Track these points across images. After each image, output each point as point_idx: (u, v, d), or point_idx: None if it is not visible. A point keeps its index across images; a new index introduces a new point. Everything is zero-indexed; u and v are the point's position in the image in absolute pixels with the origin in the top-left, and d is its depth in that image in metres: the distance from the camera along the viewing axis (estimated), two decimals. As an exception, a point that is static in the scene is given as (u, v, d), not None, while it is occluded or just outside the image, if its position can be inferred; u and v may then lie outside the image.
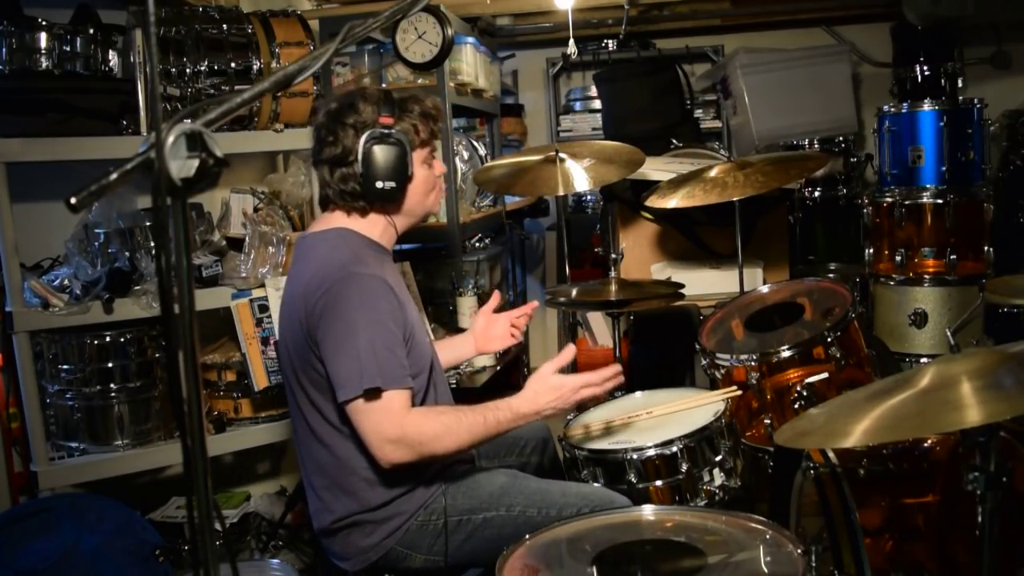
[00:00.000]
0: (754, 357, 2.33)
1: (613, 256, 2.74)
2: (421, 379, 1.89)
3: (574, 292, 2.81)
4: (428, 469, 1.90)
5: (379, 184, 1.83)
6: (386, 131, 1.83)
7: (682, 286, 2.80)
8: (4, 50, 2.33)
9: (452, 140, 3.37)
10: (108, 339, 2.51)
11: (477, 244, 3.88)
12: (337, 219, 1.93)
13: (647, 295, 2.80)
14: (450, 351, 2.31)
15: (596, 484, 2.03)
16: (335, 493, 1.87)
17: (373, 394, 1.73)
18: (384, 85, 3.48)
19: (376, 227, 1.94)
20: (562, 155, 2.70)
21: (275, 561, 2.51)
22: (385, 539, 1.88)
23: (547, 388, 1.86)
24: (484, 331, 2.30)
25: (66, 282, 2.46)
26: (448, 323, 3.40)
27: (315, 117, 1.96)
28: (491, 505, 1.89)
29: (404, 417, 1.76)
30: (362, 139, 1.82)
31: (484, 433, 1.82)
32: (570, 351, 1.96)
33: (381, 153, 1.82)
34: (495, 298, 2.34)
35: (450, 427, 1.79)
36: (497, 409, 1.84)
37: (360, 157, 1.82)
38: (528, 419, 1.86)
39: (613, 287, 2.66)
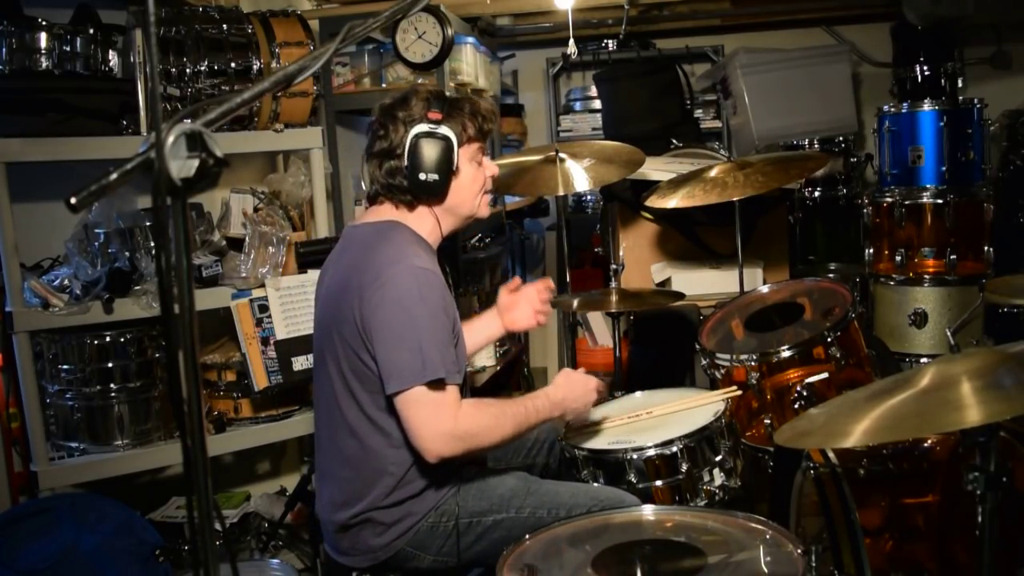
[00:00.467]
0: (754, 357, 2.33)
1: (614, 267, 2.73)
2: (462, 375, 1.90)
3: (575, 303, 2.81)
4: (441, 471, 1.90)
5: (422, 176, 1.85)
6: (433, 125, 1.85)
7: (682, 296, 2.81)
8: (4, 50, 2.33)
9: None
10: (108, 339, 2.51)
11: (477, 244, 3.88)
12: (386, 212, 1.94)
13: (648, 305, 2.80)
14: (478, 332, 2.30)
15: (595, 485, 2.03)
16: (357, 485, 1.87)
17: (435, 385, 1.75)
18: (384, 85, 3.48)
19: (424, 224, 1.94)
20: (562, 155, 2.70)
21: (275, 561, 2.51)
22: (395, 540, 1.88)
23: (579, 379, 2.01)
24: (509, 309, 2.29)
25: (66, 282, 2.46)
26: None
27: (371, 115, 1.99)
28: (501, 507, 1.89)
29: (459, 410, 1.79)
30: (410, 133, 1.85)
31: (526, 423, 1.87)
32: None
33: (426, 146, 1.85)
34: (515, 281, 2.33)
35: (498, 418, 1.83)
36: (535, 398, 1.92)
37: (406, 150, 1.85)
38: (562, 408, 1.95)
39: (614, 297, 2.65)
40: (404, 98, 1.90)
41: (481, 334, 2.31)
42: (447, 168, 1.87)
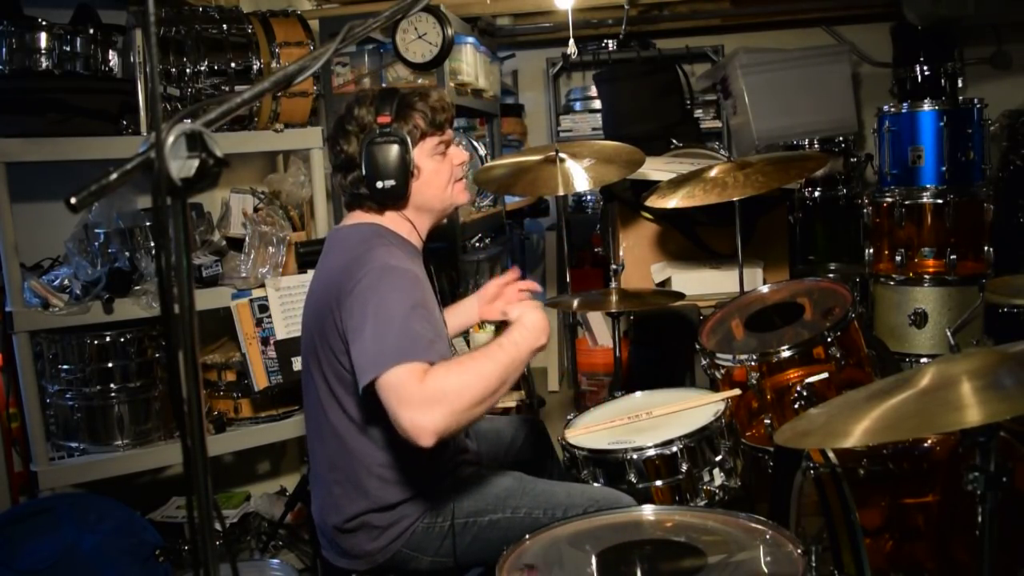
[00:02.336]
0: (754, 357, 2.33)
1: (614, 267, 2.73)
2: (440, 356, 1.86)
3: (575, 303, 2.81)
4: (436, 470, 1.90)
5: (379, 184, 1.83)
6: (383, 130, 1.83)
7: (682, 296, 2.81)
8: (4, 50, 2.33)
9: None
10: (108, 339, 2.51)
11: (477, 244, 3.88)
12: (365, 216, 1.94)
13: (648, 305, 2.79)
14: (455, 317, 2.30)
15: (596, 484, 2.03)
16: (347, 489, 1.87)
17: (403, 369, 1.60)
18: (384, 85, 3.48)
19: (402, 225, 1.93)
20: (562, 155, 2.70)
21: (275, 561, 2.52)
22: (392, 542, 1.87)
23: (534, 309, 1.79)
24: (491, 299, 2.28)
25: (66, 282, 2.46)
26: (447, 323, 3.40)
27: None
28: (497, 507, 1.89)
29: (423, 377, 1.59)
30: (362, 142, 1.84)
31: (507, 361, 1.67)
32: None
33: (379, 153, 1.83)
34: (513, 272, 2.31)
35: (473, 369, 1.63)
36: (506, 335, 1.73)
37: (362, 160, 1.84)
38: (536, 335, 1.73)
39: (614, 297, 2.66)
40: (349, 107, 1.89)
41: (458, 319, 2.30)
42: (404, 171, 1.84)
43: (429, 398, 1.57)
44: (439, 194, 1.94)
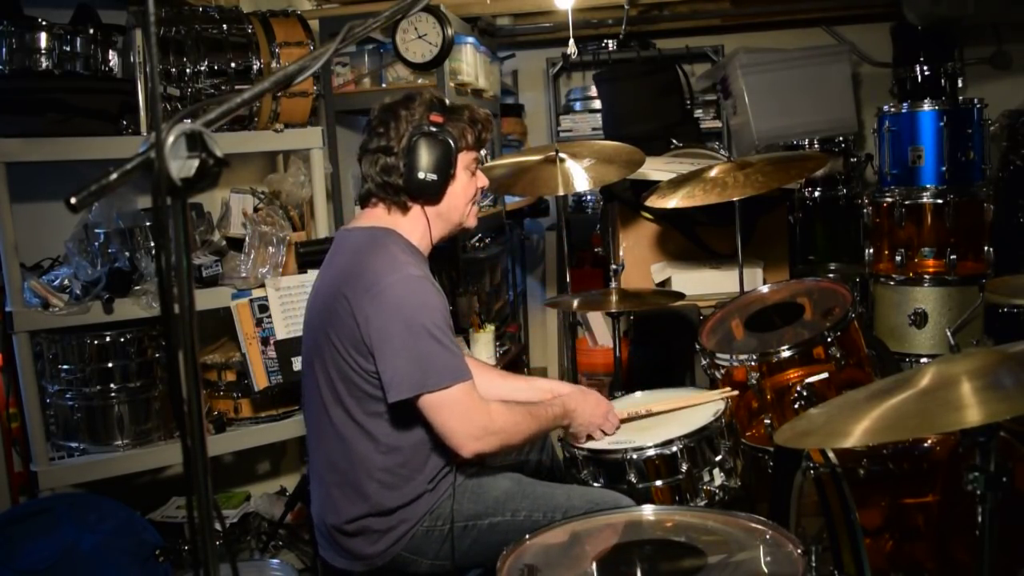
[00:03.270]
0: (754, 357, 2.33)
1: (614, 267, 2.73)
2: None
3: (575, 303, 2.81)
4: (435, 473, 1.90)
5: (421, 175, 1.86)
6: (434, 127, 1.87)
7: (682, 296, 2.81)
8: (4, 50, 2.33)
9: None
10: (108, 339, 2.51)
11: (477, 244, 3.88)
12: (379, 216, 1.94)
13: (648, 305, 2.79)
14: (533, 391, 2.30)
15: (596, 484, 2.04)
16: (346, 492, 1.87)
17: (466, 387, 1.80)
18: (384, 85, 3.48)
19: (416, 228, 1.94)
20: (562, 155, 2.70)
21: (275, 561, 2.52)
22: (391, 546, 1.87)
23: (594, 398, 2.11)
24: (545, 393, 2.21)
25: (66, 282, 2.46)
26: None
27: (371, 113, 1.98)
28: (496, 510, 1.89)
29: (491, 407, 1.85)
30: (411, 132, 1.86)
31: (545, 424, 1.98)
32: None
33: (427, 146, 1.86)
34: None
35: (524, 416, 1.91)
36: (553, 405, 2.02)
37: (406, 148, 1.86)
38: (571, 418, 2.04)
39: (614, 297, 2.66)
40: (407, 98, 1.91)
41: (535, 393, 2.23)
42: (446, 170, 1.88)
43: (494, 431, 1.82)
44: (461, 207, 1.97)
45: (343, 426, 1.85)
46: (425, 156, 1.85)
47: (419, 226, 1.94)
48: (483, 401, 1.84)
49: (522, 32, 4.69)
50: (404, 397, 1.77)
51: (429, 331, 1.77)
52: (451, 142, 1.87)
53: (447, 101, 1.96)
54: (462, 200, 1.96)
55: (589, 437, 2.10)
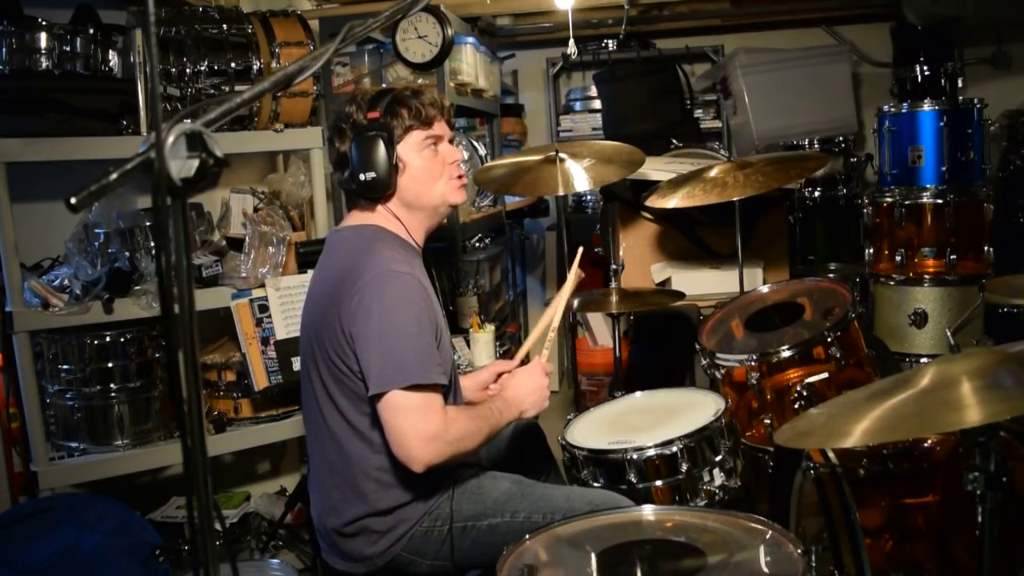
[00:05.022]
0: (754, 357, 2.33)
1: (614, 267, 2.73)
2: (447, 377, 1.88)
3: (575, 303, 2.81)
4: (434, 475, 1.90)
5: (362, 176, 1.85)
6: (368, 124, 1.85)
7: (682, 296, 2.81)
8: (4, 50, 2.33)
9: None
10: (108, 339, 2.51)
11: (477, 244, 3.88)
12: (362, 216, 1.94)
13: (648, 305, 2.79)
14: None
15: (596, 484, 2.03)
16: (345, 493, 1.87)
17: (416, 389, 1.73)
18: (384, 85, 3.48)
19: (392, 224, 1.93)
20: (562, 155, 2.70)
21: (275, 561, 2.52)
22: (391, 547, 1.87)
23: (523, 375, 1.99)
24: (480, 388, 2.21)
25: (66, 282, 2.46)
26: (448, 324, 3.40)
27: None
28: (496, 511, 1.89)
29: (446, 415, 1.77)
30: (351, 136, 1.87)
31: (496, 425, 1.88)
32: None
33: (362, 146, 1.84)
34: (502, 364, 2.24)
35: (476, 423, 1.83)
36: (494, 401, 1.92)
37: (347, 154, 1.87)
38: (518, 406, 1.94)
39: (614, 297, 2.65)
40: (347, 102, 1.92)
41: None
42: (386, 163, 1.84)
43: (447, 440, 1.75)
44: (427, 191, 1.92)
45: (339, 428, 1.85)
46: (362, 156, 1.84)
47: (392, 221, 1.93)
48: (440, 408, 1.77)
49: (522, 32, 4.69)
50: (379, 391, 1.73)
51: (403, 327, 1.74)
52: (384, 133, 1.84)
53: (390, 89, 1.92)
54: (426, 183, 1.91)
55: None
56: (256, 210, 2.79)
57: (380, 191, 1.88)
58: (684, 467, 2.00)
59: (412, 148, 1.90)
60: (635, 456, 2.00)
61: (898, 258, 3.29)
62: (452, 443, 1.76)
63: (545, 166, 2.72)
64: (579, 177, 2.67)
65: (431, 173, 1.92)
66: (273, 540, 2.84)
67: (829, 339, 2.28)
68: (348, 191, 1.95)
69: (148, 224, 2.55)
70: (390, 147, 1.85)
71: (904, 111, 3.37)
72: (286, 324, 2.66)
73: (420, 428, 1.73)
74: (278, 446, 3.17)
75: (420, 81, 3.38)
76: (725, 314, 2.65)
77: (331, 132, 1.94)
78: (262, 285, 2.66)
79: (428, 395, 1.75)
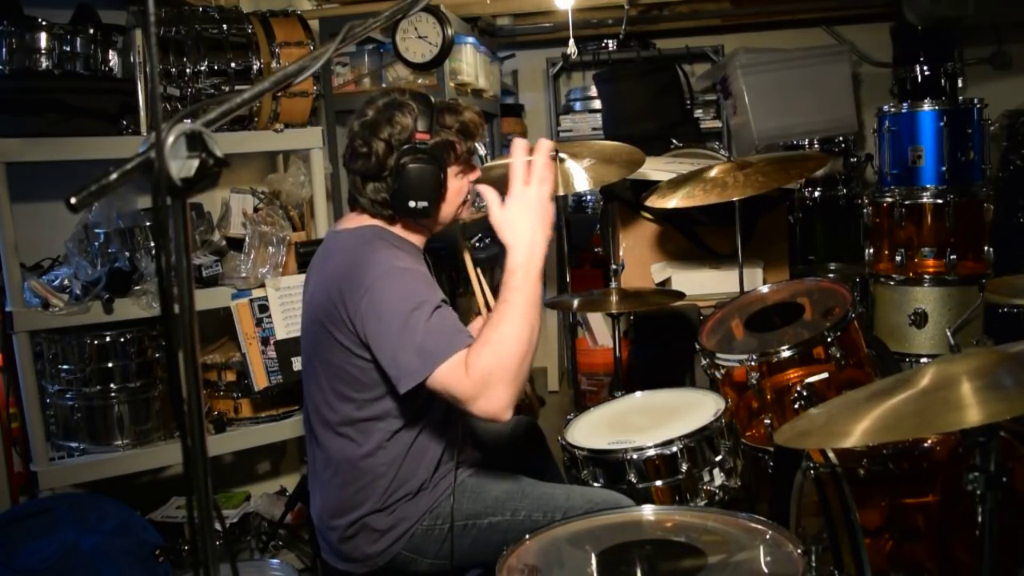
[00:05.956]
0: (754, 357, 2.33)
1: (614, 267, 2.73)
2: (467, 334, 1.79)
3: (575, 303, 2.81)
4: (435, 472, 1.90)
5: (411, 203, 1.79)
6: (421, 148, 1.78)
7: (682, 296, 2.81)
8: (4, 50, 2.33)
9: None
10: (108, 339, 2.51)
11: (477, 244, 3.87)
12: (364, 218, 1.91)
13: (648, 305, 2.79)
14: None
15: (596, 484, 2.03)
16: (349, 492, 1.86)
17: (439, 370, 1.65)
18: (384, 85, 3.48)
19: (398, 227, 1.92)
20: (562, 155, 2.70)
21: (275, 561, 2.52)
22: (391, 545, 1.87)
23: (515, 208, 1.76)
24: None
25: (66, 282, 2.46)
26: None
27: (350, 120, 1.90)
28: (496, 510, 1.89)
29: (465, 369, 1.64)
30: (396, 156, 1.78)
31: (524, 307, 1.67)
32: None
33: (415, 172, 1.77)
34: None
35: (498, 338, 1.64)
36: (506, 280, 1.71)
37: (393, 173, 1.79)
38: (530, 249, 1.73)
39: (614, 298, 2.66)
40: (389, 115, 1.80)
41: None
42: (437, 194, 1.81)
43: (479, 384, 1.62)
44: (450, 211, 1.93)
45: (340, 425, 1.85)
46: (415, 183, 1.77)
47: (396, 225, 1.91)
48: (463, 366, 1.64)
49: (522, 32, 4.69)
50: (412, 385, 1.68)
51: (420, 315, 1.69)
52: (440, 163, 1.79)
53: (432, 100, 1.85)
54: (453, 205, 1.92)
55: None
56: (256, 210, 2.79)
57: (423, 217, 1.85)
58: (684, 467, 2.00)
59: (453, 174, 1.89)
60: (635, 456, 2.00)
61: (898, 258, 3.29)
62: (489, 379, 1.61)
63: (545, 166, 2.71)
64: (579, 177, 2.67)
65: (460, 194, 1.93)
66: (273, 540, 2.84)
67: (829, 339, 2.28)
68: (374, 202, 1.85)
69: (148, 224, 2.55)
70: (444, 176, 1.82)
71: (904, 111, 3.37)
72: (286, 324, 2.66)
73: (462, 395, 1.64)
74: (278, 446, 3.17)
75: (420, 80, 3.38)
76: (725, 314, 2.65)
77: (364, 134, 1.81)
78: (262, 285, 2.66)
79: (451, 365, 1.65)
